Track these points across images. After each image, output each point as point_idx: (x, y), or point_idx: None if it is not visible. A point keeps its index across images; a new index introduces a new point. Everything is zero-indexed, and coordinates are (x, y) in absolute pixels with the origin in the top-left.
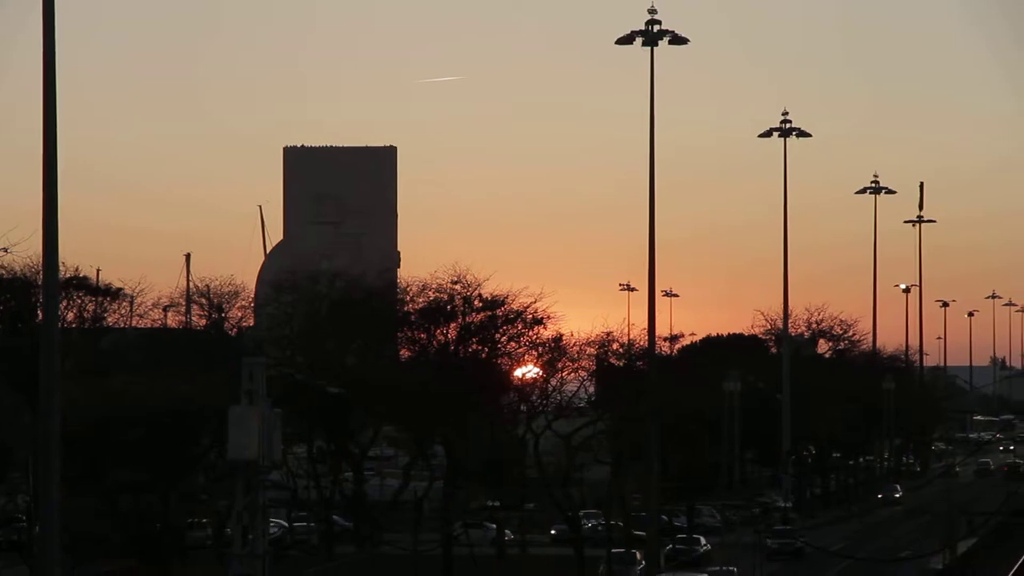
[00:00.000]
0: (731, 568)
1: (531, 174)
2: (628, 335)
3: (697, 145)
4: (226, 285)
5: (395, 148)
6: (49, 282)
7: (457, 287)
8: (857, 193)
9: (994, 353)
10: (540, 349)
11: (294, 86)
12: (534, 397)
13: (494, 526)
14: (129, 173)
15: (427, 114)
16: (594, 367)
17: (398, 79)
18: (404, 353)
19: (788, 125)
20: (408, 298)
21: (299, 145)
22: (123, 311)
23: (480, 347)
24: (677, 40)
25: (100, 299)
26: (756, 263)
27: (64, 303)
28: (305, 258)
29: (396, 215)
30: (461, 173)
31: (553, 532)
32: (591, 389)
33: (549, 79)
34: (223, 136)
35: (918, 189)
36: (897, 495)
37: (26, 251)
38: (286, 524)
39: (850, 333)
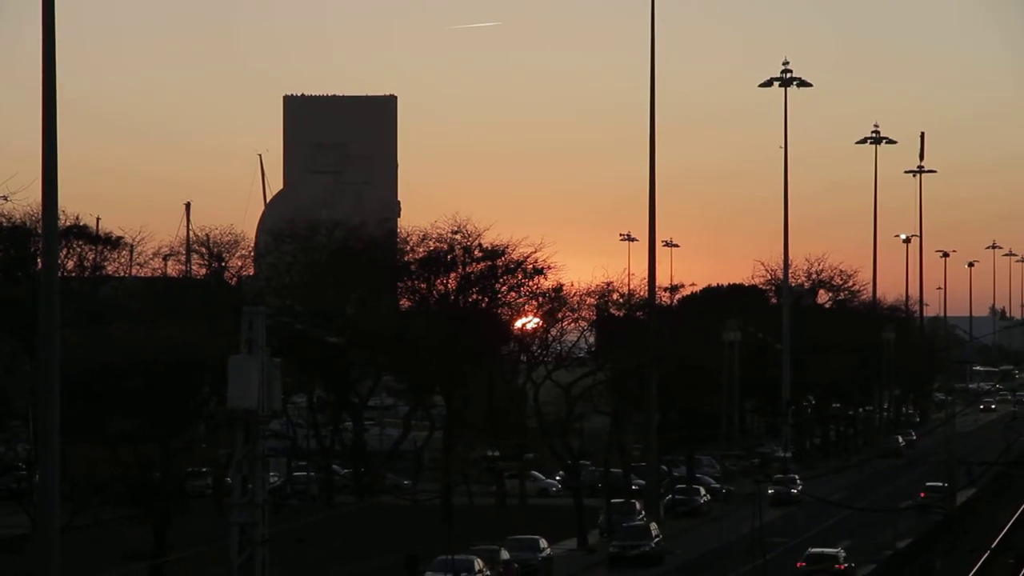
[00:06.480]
0: None
1: (531, 122)
2: (628, 285)
3: (696, 92)
4: (226, 234)
5: (395, 97)
6: (49, 231)
7: (457, 237)
8: (858, 143)
9: (994, 303)
10: (540, 299)
11: (304, 31)
12: (534, 347)
13: (541, 476)
14: (130, 117)
15: (424, 64)
16: (594, 317)
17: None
18: (404, 303)
19: (789, 75)
20: (408, 248)
21: (299, 94)
22: (123, 260)
23: (480, 297)
24: None
25: (100, 248)
26: (753, 210)
27: (64, 252)
28: (305, 207)
29: (396, 164)
30: (462, 120)
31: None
32: (591, 339)
33: (549, 25)
34: (228, 81)
35: (919, 139)
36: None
37: (26, 199)
38: (281, 475)
39: (850, 283)
